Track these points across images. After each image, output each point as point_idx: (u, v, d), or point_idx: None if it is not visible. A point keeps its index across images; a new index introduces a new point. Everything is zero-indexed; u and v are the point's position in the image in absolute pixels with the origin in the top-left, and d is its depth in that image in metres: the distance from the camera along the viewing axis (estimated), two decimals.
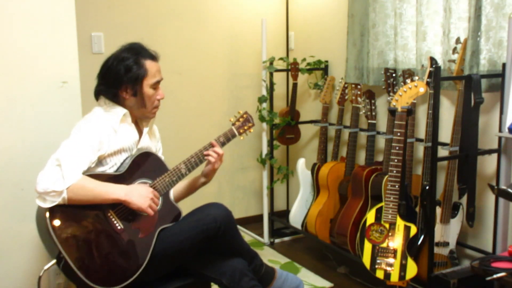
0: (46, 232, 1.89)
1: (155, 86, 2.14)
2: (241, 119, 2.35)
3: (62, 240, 1.86)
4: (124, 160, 2.10)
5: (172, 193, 2.35)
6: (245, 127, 2.34)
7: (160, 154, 2.37)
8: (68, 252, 1.86)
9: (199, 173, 2.36)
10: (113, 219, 1.99)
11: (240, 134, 2.33)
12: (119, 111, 2.11)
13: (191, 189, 2.36)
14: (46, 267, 1.96)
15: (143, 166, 2.12)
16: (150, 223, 2.06)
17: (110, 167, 2.07)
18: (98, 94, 2.17)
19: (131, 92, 2.10)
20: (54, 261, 1.92)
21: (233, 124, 2.34)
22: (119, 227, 1.99)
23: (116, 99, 2.12)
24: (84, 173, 1.95)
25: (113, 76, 2.09)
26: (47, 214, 1.87)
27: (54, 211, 1.89)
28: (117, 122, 2.09)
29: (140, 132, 2.21)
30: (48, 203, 1.88)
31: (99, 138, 2.02)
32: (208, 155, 2.23)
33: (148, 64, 2.11)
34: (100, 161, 2.05)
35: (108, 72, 2.11)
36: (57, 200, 1.87)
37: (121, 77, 2.08)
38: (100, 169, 2.06)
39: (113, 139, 2.07)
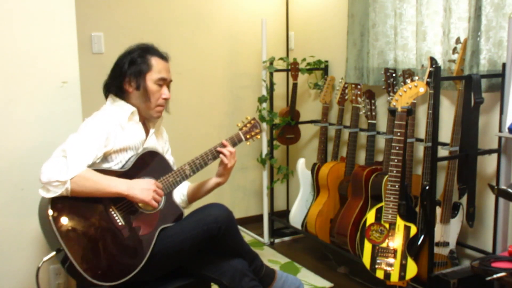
0: (47, 224, 1.90)
1: (160, 83, 2.16)
2: (248, 125, 2.35)
3: (62, 232, 1.88)
4: (129, 158, 2.12)
5: (187, 195, 2.36)
6: (252, 133, 2.34)
7: (169, 155, 2.37)
8: (68, 245, 1.87)
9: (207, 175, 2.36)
10: (114, 215, 2.00)
11: (247, 139, 2.33)
12: (127, 108, 2.14)
13: (204, 191, 2.35)
14: (45, 258, 1.96)
15: (147, 164, 2.13)
16: (151, 222, 2.07)
17: (115, 164, 2.09)
18: (106, 89, 2.22)
19: (134, 85, 2.13)
20: (53, 253, 1.93)
21: (240, 129, 2.34)
22: (120, 223, 2.00)
23: (121, 93, 2.16)
24: (89, 167, 1.97)
25: (119, 68, 2.16)
26: (49, 206, 1.89)
27: (56, 203, 1.90)
28: (125, 119, 2.12)
29: (147, 132, 2.23)
30: (51, 193, 1.89)
31: (106, 135, 2.04)
32: (221, 152, 2.23)
33: (154, 60, 2.16)
34: (105, 158, 2.07)
35: (116, 66, 2.19)
36: (60, 191, 1.88)
37: (125, 69, 2.13)
38: (105, 166, 2.07)
39: (120, 136, 2.09)
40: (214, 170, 2.33)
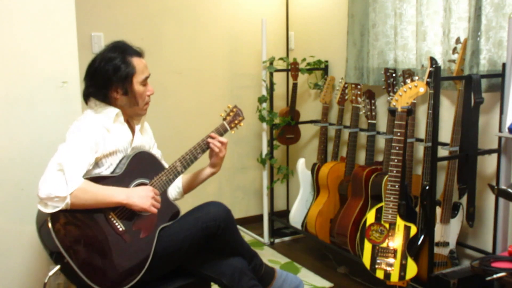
0: (47, 236, 1.87)
1: (144, 82, 2.14)
2: (231, 113, 2.38)
3: (64, 244, 1.86)
4: (120, 161, 2.10)
5: (182, 187, 2.37)
6: (236, 121, 2.37)
7: (155, 149, 2.37)
8: (71, 256, 1.85)
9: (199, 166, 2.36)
10: (114, 221, 1.99)
11: (231, 128, 2.36)
12: (111, 111, 2.10)
13: (198, 181, 2.36)
14: (50, 273, 1.93)
15: (139, 166, 2.12)
16: (150, 223, 2.07)
17: (106, 168, 2.07)
18: (88, 96, 2.15)
19: (121, 91, 2.09)
20: (58, 266, 1.90)
21: (224, 119, 2.36)
22: (120, 229, 1.99)
23: (107, 100, 2.11)
24: (82, 176, 1.94)
25: (102, 77, 2.07)
26: (49, 219, 1.86)
27: (56, 215, 1.88)
28: (110, 122, 2.08)
29: (133, 131, 2.21)
30: (49, 208, 1.87)
31: (95, 140, 2.01)
32: (210, 143, 2.25)
33: (135, 61, 2.11)
34: (96, 163, 2.04)
35: (96, 73, 2.09)
36: (60, 206, 1.86)
37: (110, 78, 2.06)
38: (96, 171, 2.05)
39: (108, 140, 2.06)
40: (205, 161, 2.35)
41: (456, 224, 2.68)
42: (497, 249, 2.54)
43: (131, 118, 2.22)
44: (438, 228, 2.64)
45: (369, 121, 3.17)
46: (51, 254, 1.94)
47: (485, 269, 1.98)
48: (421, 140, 2.88)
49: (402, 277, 2.45)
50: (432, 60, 2.60)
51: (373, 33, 3.11)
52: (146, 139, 2.30)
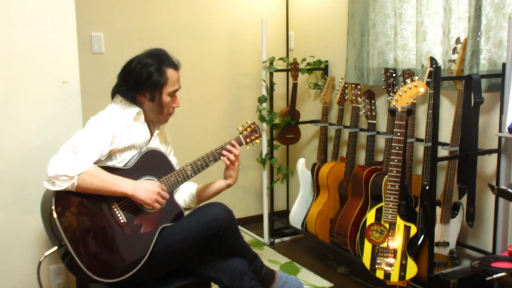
0: (50, 219, 1.91)
1: (173, 94, 2.19)
2: (248, 129, 2.38)
3: (65, 227, 1.89)
4: (133, 156, 2.14)
5: (196, 196, 2.38)
6: (252, 137, 2.37)
7: (171, 156, 2.39)
8: (70, 240, 1.88)
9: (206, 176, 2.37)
10: (117, 212, 2.01)
11: (246, 143, 2.36)
12: (133, 110, 2.16)
13: (212, 192, 2.38)
14: (47, 252, 1.97)
15: (150, 163, 2.15)
16: (152, 220, 2.08)
17: (119, 162, 2.11)
18: (115, 93, 2.21)
19: (149, 97, 2.15)
20: (55, 247, 1.94)
21: (241, 133, 2.37)
22: (122, 220, 2.01)
23: (134, 101, 2.17)
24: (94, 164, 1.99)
25: (135, 79, 2.14)
26: (53, 201, 1.90)
27: (60, 198, 1.92)
28: (130, 119, 2.14)
29: (151, 133, 2.25)
30: (56, 187, 1.91)
31: (113, 132, 2.06)
32: (222, 156, 2.25)
33: (170, 72, 2.16)
34: (110, 156, 2.09)
35: (130, 74, 2.15)
36: (66, 185, 1.90)
37: (142, 82, 2.13)
38: (109, 163, 2.09)
39: (125, 135, 2.11)
40: (214, 171, 2.34)
41: (456, 224, 2.68)
42: (497, 249, 2.54)
43: (151, 122, 2.26)
44: (438, 228, 2.64)
45: (369, 121, 3.17)
46: (51, 236, 1.98)
47: (485, 269, 1.98)
48: (421, 140, 2.88)
49: (402, 277, 2.45)
50: (432, 60, 2.60)
51: (373, 33, 3.11)
52: (163, 145, 2.33)
